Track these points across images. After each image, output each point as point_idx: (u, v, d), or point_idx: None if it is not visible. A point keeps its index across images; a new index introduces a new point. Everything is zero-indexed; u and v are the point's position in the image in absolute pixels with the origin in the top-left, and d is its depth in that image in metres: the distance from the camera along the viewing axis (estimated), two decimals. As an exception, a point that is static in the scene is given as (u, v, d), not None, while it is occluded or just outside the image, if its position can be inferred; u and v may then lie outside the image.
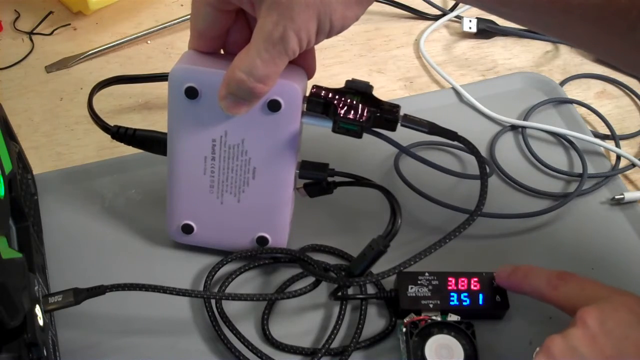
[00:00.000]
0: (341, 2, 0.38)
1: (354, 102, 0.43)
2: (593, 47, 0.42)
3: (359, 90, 0.43)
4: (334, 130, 0.43)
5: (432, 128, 0.44)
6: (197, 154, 0.46)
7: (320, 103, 0.43)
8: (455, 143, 0.45)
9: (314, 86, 0.44)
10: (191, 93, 0.43)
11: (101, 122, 0.50)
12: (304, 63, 0.44)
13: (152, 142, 0.49)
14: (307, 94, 0.44)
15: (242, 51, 0.40)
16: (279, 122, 0.44)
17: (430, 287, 0.48)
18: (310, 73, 0.45)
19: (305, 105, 0.44)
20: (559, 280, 0.44)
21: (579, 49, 0.43)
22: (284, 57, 0.39)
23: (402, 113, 0.44)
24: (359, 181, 0.48)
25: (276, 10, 0.37)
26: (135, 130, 0.50)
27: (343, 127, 0.43)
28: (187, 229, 0.49)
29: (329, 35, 0.40)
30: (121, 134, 0.50)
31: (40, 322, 0.39)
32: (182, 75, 0.43)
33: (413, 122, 0.44)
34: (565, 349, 0.38)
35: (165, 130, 0.47)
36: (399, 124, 0.44)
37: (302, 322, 0.48)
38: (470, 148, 0.45)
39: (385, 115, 0.43)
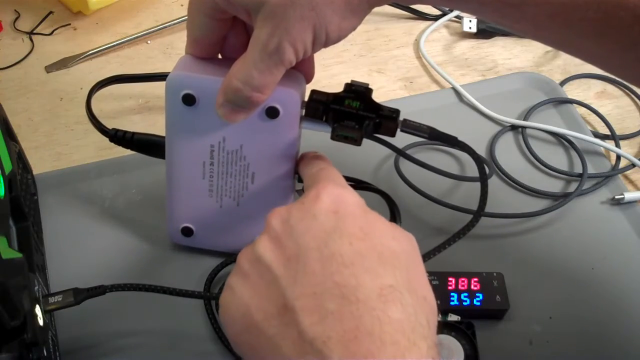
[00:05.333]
0: (337, 13, 0.37)
1: (353, 109, 0.43)
2: (594, 60, 0.41)
3: (358, 94, 0.43)
4: (332, 138, 0.43)
5: (432, 133, 0.44)
6: (196, 159, 0.46)
7: (318, 109, 0.43)
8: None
9: (313, 91, 0.44)
10: (188, 100, 0.43)
11: (99, 124, 0.50)
12: (302, 68, 0.43)
13: (150, 146, 0.49)
14: (306, 98, 0.44)
15: (239, 59, 0.40)
16: (278, 128, 0.44)
17: (430, 287, 0.48)
18: (308, 77, 0.45)
19: (303, 110, 0.44)
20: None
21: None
22: (281, 67, 0.39)
23: (401, 118, 0.44)
24: (358, 185, 0.48)
25: (271, 21, 0.37)
26: (133, 133, 0.49)
27: (341, 136, 0.43)
28: (187, 232, 0.49)
29: (325, 46, 0.39)
30: (119, 137, 0.49)
31: (40, 322, 0.39)
32: (179, 82, 0.43)
33: (413, 128, 0.44)
34: (253, 260, 0.34)
35: (164, 132, 0.47)
36: (398, 129, 0.44)
37: (302, 322, 0.48)
38: (471, 153, 0.45)
39: (384, 122, 0.43)
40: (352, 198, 0.35)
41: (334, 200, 0.35)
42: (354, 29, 0.40)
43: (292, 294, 0.31)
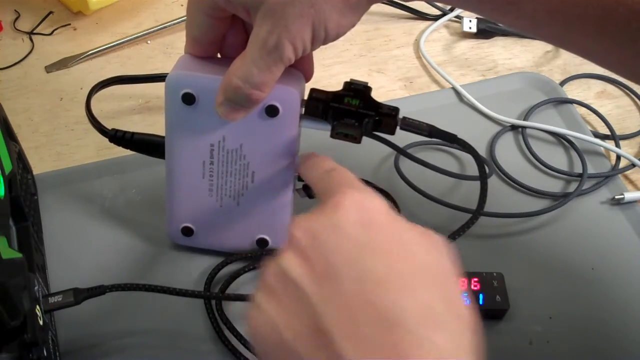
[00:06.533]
0: (336, 11, 0.38)
1: (352, 107, 0.43)
2: (593, 57, 0.41)
3: (357, 93, 0.43)
4: (332, 136, 0.43)
5: (432, 131, 0.44)
6: (196, 158, 0.46)
7: (318, 107, 0.43)
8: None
9: (312, 90, 0.44)
10: (188, 99, 0.43)
11: (99, 125, 0.50)
12: (301, 66, 0.44)
13: (150, 146, 0.49)
14: (305, 97, 0.44)
15: (238, 58, 0.40)
16: (277, 127, 0.44)
17: (430, 287, 0.48)
18: (308, 76, 0.45)
19: (303, 108, 0.44)
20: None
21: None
22: (280, 65, 0.39)
23: (401, 115, 0.44)
24: (358, 182, 0.48)
25: (270, 19, 0.37)
26: (133, 134, 0.49)
27: (341, 133, 0.43)
28: (187, 232, 0.49)
29: (324, 43, 0.39)
30: (119, 138, 0.49)
31: (40, 322, 0.39)
32: (178, 82, 0.43)
33: (412, 126, 0.44)
34: (279, 274, 0.32)
35: (164, 132, 0.47)
36: (398, 128, 0.44)
37: (302, 322, 0.48)
38: (470, 150, 0.45)
39: (384, 119, 0.43)
40: (376, 204, 0.33)
41: (358, 209, 0.32)
42: (352, 26, 0.40)
43: (325, 316, 0.30)
